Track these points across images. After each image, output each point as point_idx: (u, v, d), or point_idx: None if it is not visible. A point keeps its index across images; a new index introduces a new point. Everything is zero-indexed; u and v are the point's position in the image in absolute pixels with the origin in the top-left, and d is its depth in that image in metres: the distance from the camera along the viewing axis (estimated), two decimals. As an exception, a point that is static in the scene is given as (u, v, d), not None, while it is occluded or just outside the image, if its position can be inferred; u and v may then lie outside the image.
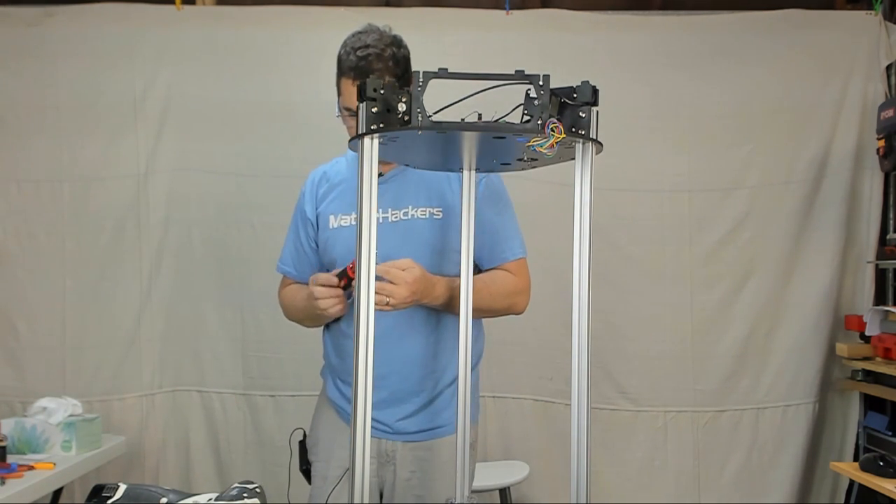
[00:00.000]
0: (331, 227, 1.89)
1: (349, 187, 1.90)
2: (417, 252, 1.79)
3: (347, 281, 1.72)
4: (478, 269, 1.89)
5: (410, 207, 1.85)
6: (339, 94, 1.83)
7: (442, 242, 1.84)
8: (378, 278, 1.60)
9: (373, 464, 1.87)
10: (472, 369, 1.91)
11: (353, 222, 1.86)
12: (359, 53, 1.78)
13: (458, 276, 1.70)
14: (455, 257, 1.81)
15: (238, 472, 3.11)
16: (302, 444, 2.00)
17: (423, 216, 1.84)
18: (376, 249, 1.77)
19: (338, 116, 1.86)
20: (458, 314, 1.73)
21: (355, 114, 1.68)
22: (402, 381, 1.85)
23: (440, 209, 1.85)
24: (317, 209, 1.94)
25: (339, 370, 1.93)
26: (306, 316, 1.93)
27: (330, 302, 1.77)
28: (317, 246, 1.94)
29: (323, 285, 1.77)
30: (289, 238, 2.01)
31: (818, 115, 3.23)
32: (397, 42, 1.84)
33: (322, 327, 2.00)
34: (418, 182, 1.85)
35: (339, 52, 1.83)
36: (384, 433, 1.87)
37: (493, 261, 1.89)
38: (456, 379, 1.86)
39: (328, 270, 1.87)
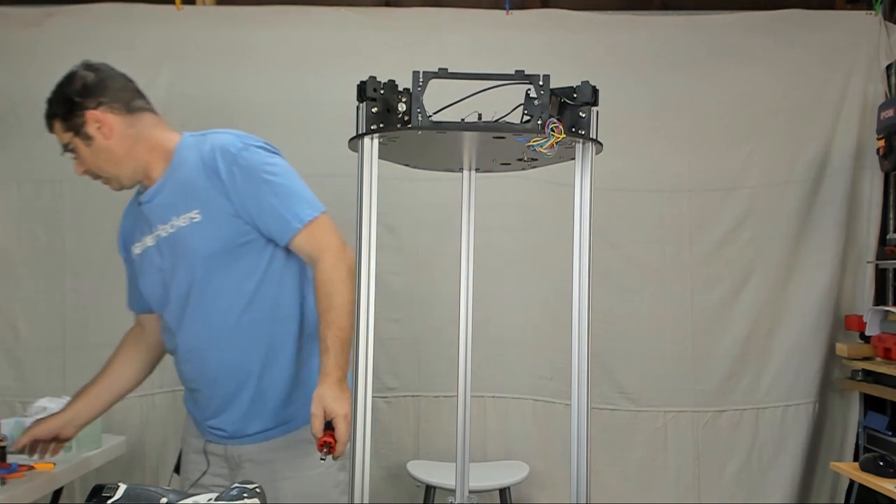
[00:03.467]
0: (133, 257, 1.95)
1: (134, 214, 1.95)
2: (189, 263, 1.81)
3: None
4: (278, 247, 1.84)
5: (174, 218, 1.82)
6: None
7: (208, 245, 1.79)
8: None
9: (224, 468, 1.91)
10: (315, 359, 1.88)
11: (142, 249, 1.91)
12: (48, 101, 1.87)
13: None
14: (244, 250, 1.79)
15: (238, 472, 3.11)
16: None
17: (184, 223, 1.81)
18: (160, 269, 1.86)
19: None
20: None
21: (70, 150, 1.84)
22: (223, 386, 1.86)
23: (197, 210, 1.79)
24: (125, 243, 2.01)
25: (182, 382, 1.98)
26: None
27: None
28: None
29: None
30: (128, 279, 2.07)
31: (818, 114, 3.24)
32: (69, 77, 1.88)
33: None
34: (175, 191, 1.82)
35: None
36: (227, 438, 1.90)
37: (286, 235, 1.79)
38: (287, 374, 1.87)
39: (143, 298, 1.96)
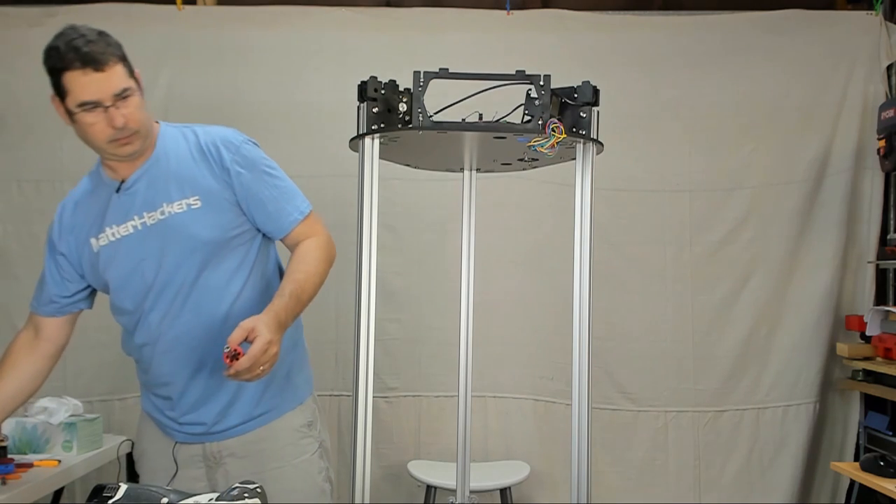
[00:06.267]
0: (94, 250, 1.84)
1: (97, 203, 1.85)
2: (185, 249, 1.76)
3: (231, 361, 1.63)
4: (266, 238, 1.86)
5: (165, 205, 1.78)
6: (65, 95, 1.69)
7: (209, 231, 1.78)
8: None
9: (200, 468, 1.87)
10: (292, 350, 1.88)
11: (112, 238, 1.81)
12: (77, 43, 1.68)
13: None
14: (238, 240, 1.79)
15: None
16: (130, 455, 2.00)
17: (181, 209, 1.77)
18: (143, 258, 1.78)
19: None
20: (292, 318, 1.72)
21: (98, 105, 1.67)
22: (208, 376, 1.82)
23: (196, 197, 1.77)
24: (69, 238, 1.88)
25: (147, 384, 1.92)
26: None
27: None
28: (62, 281, 1.90)
29: None
30: (41, 280, 1.96)
31: (819, 115, 3.23)
32: (100, 31, 1.76)
33: (122, 346, 1.98)
34: (166, 176, 1.79)
35: (50, 54, 1.72)
36: (204, 435, 1.86)
37: (283, 229, 1.82)
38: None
39: (101, 291, 1.89)
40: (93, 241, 1.84)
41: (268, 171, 1.81)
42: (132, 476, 1.97)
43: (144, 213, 1.78)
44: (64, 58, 1.67)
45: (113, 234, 1.81)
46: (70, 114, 1.71)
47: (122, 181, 1.81)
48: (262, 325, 1.60)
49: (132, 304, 1.83)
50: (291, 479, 1.85)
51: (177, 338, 1.81)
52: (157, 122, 1.86)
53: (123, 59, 1.71)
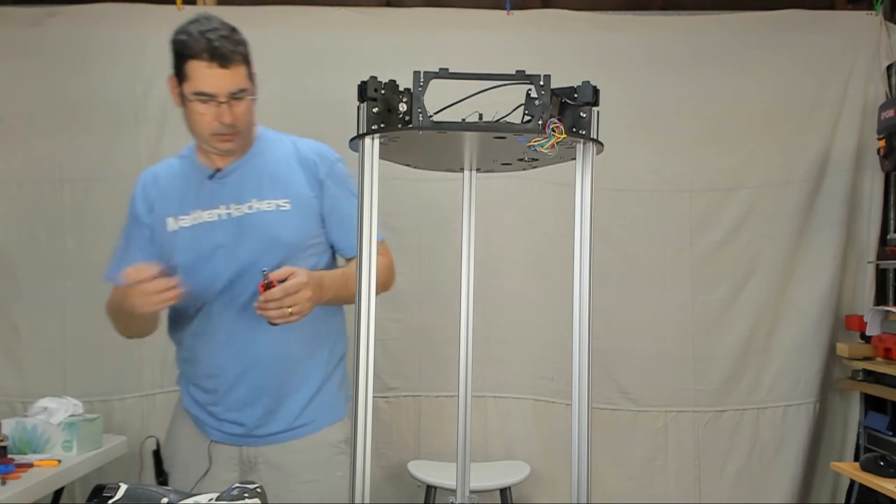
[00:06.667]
0: (170, 229, 1.84)
1: (185, 186, 1.87)
2: (264, 246, 1.78)
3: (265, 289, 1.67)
4: (334, 255, 1.93)
5: (254, 201, 1.82)
6: (184, 80, 1.75)
7: (292, 235, 1.82)
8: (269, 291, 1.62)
9: (234, 471, 1.87)
10: (339, 364, 1.92)
11: (194, 222, 1.83)
12: (210, 35, 1.72)
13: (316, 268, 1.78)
14: (308, 251, 1.84)
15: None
16: (157, 453, 1.99)
17: (269, 209, 1.81)
18: (220, 246, 1.80)
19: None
20: (341, 304, 1.82)
21: (212, 98, 1.72)
22: (259, 375, 1.83)
23: (287, 200, 1.82)
24: (151, 212, 1.88)
25: (192, 375, 1.90)
26: (130, 320, 1.85)
27: (147, 298, 1.65)
28: (152, 251, 1.87)
29: (143, 279, 1.66)
30: (119, 250, 1.94)
31: (819, 115, 3.23)
32: (231, 27, 1.81)
33: (170, 331, 1.97)
34: (260, 174, 1.83)
35: (180, 38, 1.75)
36: (242, 437, 1.86)
37: (353, 248, 1.84)
38: (321, 374, 1.88)
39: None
40: (170, 220, 1.85)
41: (354, 192, 1.84)
42: (159, 473, 1.96)
43: (231, 205, 1.82)
44: (193, 46, 1.71)
45: (196, 218, 1.83)
46: (183, 98, 1.76)
47: (217, 170, 1.84)
48: (303, 272, 1.68)
49: (197, 290, 1.82)
50: (323, 494, 1.85)
51: (237, 332, 1.82)
52: (257, 124, 1.91)
53: (246, 61, 1.77)
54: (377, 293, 1.78)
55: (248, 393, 1.83)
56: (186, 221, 1.83)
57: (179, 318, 1.92)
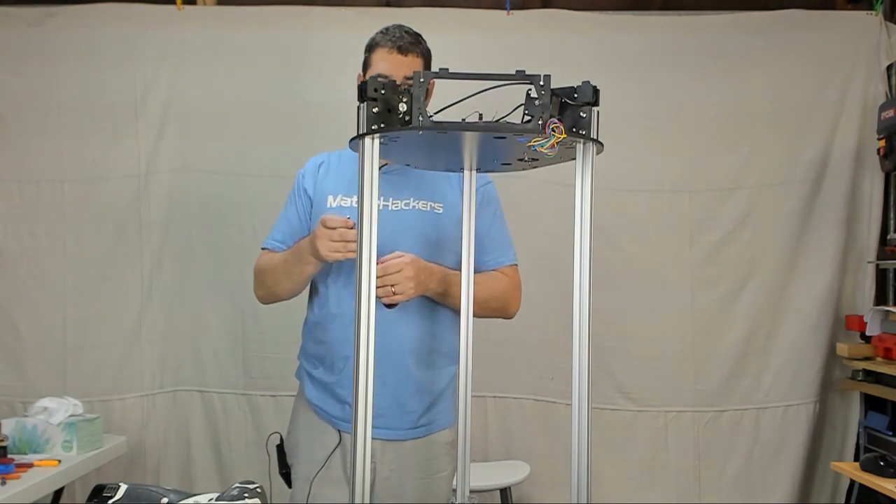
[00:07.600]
0: (329, 205, 1.91)
1: (352, 172, 1.87)
2: (413, 242, 1.83)
3: None
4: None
5: (412, 199, 1.89)
6: (367, 69, 1.90)
7: (439, 236, 1.88)
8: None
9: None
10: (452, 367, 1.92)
11: (354, 204, 1.87)
12: (395, 32, 1.88)
13: (453, 269, 1.77)
14: (450, 253, 1.87)
15: (239, 471, 3.11)
16: (280, 447, 2.00)
17: (425, 208, 1.89)
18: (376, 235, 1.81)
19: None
20: (452, 305, 1.81)
21: (388, 80, 1.75)
22: (385, 368, 1.80)
23: (441, 204, 1.90)
24: (315, 186, 1.97)
25: (325, 357, 1.92)
26: (284, 274, 1.90)
27: (334, 244, 1.73)
28: (309, 224, 1.94)
29: (335, 228, 1.73)
30: (281, 216, 2.01)
31: (818, 115, 3.23)
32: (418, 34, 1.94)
33: (304, 322, 1.99)
34: (421, 176, 1.88)
35: (372, 37, 1.92)
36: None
37: (489, 264, 1.93)
38: (446, 379, 1.91)
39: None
40: (330, 198, 1.92)
41: (499, 215, 2.00)
42: (282, 466, 1.98)
43: (391, 199, 1.88)
44: (380, 39, 1.89)
45: (354, 202, 1.88)
46: None
47: (385, 164, 1.84)
48: (409, 255, 1.74)
49: (345, 269, 1.87)
50: (428, 493, 1.88)
51: (381, 319, 1.82)
52: None
53: (427, 62, 1.90)
54: (485, 315, 1.87)
55: (377, 382, 1.83)
56: (347, 203, 1.90)
57: (320, 300, 1.95)
